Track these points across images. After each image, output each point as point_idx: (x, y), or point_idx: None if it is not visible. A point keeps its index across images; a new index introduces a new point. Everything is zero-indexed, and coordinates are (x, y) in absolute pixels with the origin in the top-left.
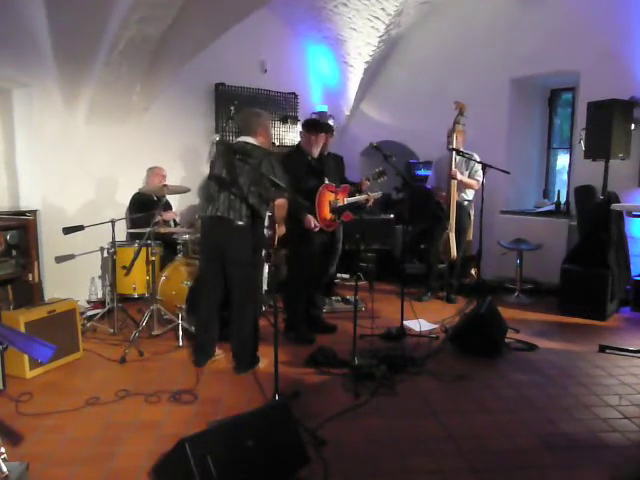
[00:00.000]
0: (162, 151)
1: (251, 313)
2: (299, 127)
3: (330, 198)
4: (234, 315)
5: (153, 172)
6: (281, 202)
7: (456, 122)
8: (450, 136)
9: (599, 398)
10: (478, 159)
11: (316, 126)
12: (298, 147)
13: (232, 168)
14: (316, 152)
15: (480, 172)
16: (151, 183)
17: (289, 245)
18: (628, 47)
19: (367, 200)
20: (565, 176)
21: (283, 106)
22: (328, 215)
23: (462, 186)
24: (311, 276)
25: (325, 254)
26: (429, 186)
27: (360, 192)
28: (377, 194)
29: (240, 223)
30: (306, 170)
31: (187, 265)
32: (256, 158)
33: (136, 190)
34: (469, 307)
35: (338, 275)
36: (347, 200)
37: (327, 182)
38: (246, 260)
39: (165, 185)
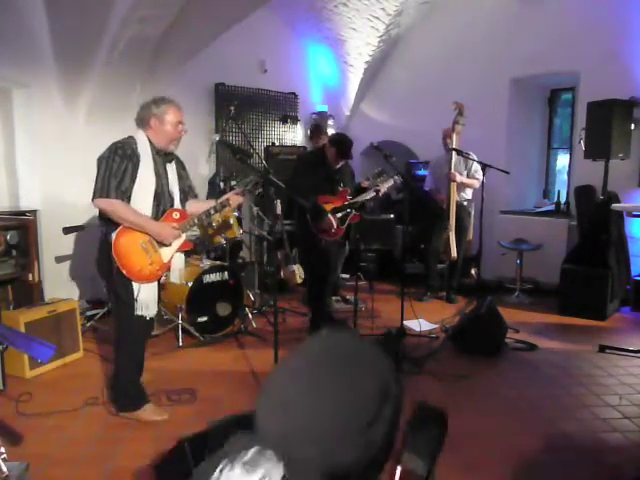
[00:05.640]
0: None
1: (123, 345)
2: (299, 127)
3: (328, 209)
4: None
5: None
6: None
7: (455, 122)
8: (450, 137)
9: (599, 398)
10: (476, 158)
11: (344, 152)
12: (323, 152)
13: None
14: (336, 165)
15: (480, 171)
16: None
17: (303, 248)
18: (628, 47)
19: (378, 191)
20: (565, 176)
21: (283, 106)
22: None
23: (463, 186)
24: (326, 274)
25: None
26: (427, 188)
27: (364, 191)
28: (388, 182)
29: (101, 233)
30: (323, 176)
31: (187, 265)
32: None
33: None
34: (469, 307)
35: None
36: (357, 198)
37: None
38: (106, 277)
39: None
